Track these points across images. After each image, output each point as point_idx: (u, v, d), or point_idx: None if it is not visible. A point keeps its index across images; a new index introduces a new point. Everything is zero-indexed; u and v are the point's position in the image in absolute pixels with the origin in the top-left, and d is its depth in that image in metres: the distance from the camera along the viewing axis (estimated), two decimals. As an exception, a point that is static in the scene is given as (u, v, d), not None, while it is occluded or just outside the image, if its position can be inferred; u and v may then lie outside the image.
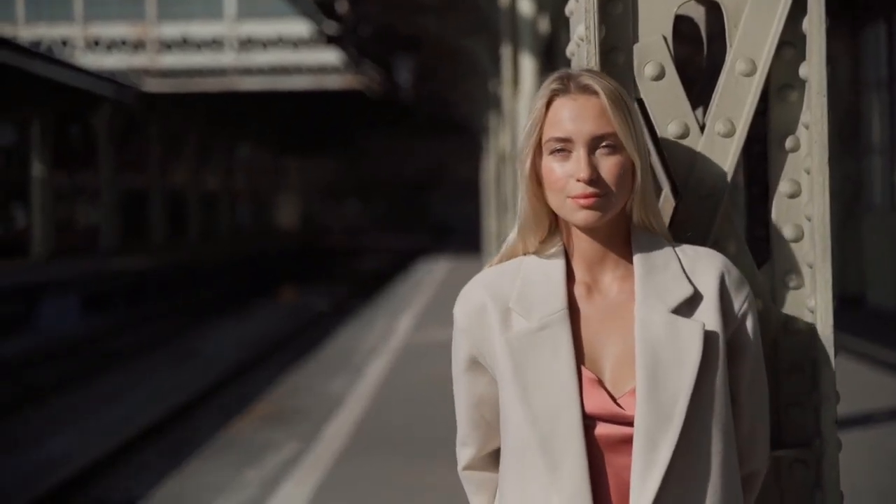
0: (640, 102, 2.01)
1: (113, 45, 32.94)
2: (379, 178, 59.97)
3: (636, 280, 1.79)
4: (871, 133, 14.59)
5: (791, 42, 2.08)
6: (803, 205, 2.10)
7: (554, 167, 1.77)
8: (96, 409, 13.17)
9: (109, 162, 30.35)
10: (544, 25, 11.32)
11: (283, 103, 36.35)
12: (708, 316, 1.77)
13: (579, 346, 1.77)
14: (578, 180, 1.74)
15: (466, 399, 1.90)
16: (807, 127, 2.07)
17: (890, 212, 13.95)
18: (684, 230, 1.97)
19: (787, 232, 2.11)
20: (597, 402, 1.74)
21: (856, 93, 14.66)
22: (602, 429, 1.74)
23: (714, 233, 2.05)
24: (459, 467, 1.97)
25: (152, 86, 31.61)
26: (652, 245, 1.82)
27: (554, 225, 1.84)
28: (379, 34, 20.91)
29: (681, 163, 2.03)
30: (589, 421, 1.74)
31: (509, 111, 12.44)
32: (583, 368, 1.76)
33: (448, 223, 55.78)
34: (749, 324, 1.82)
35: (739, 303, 1.81)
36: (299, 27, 30.39)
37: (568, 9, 2.18)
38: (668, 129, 2.04)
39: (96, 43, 32.96)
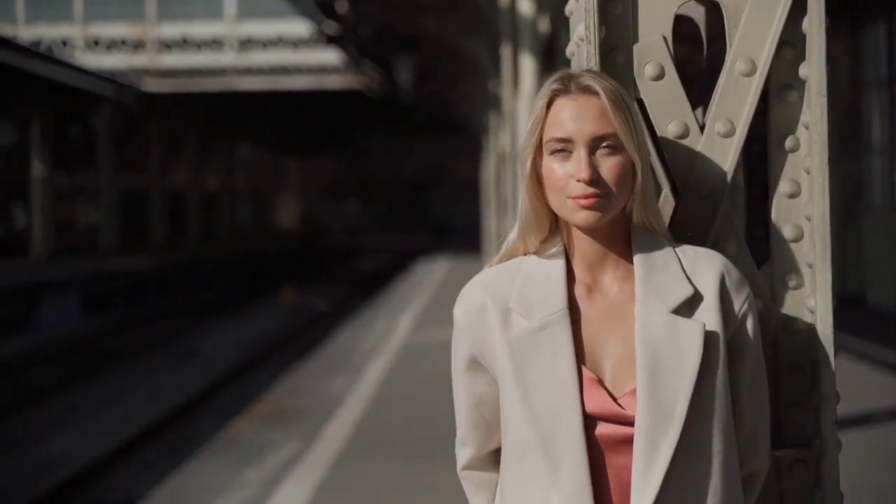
0: (640, 102, 2.01)
1: (113, 45, 32.93)
2: (379, 178, 59.97)
3: (636, 280, 1.79)
4: (871, 133, 14.59)
5: (791, 42, 2.08)
6: (803, 205, 2.10)
7: (554, 167, 1.77)
8: (96, 409, 13.17)
9: (109, 162, 30.34)
10: (544, 25, 11.32)
11: (283, 103, 36.35)
12: (708, 316, 1.77)
13: (580, 346, 1.77)
14: (579, 180, 1.74)
15: (466, 399, 1.90)
16: (807, 127, 2.08)
17: (890, 212, 13.95)
18: (684, 230, 1.97)
19: (787, 232, 2.11)
20: (597, 401, 1.74)
21: (856, 93, 14.66)
22: (602, 429, 1.74)
23: (714, 233, 2.05)
24: (458, 467, 1.97)
25: (152, 86, 31.61)
26: (652, 245, 1.82)
27: (554, 225, 1.84)
28: (379, 34, 20.91)
29: (681, 163, 2.03)
30: (589, 421, 1.74)
31: (509, 111, 12.44)
32: (583, 368, 1.76)
33: (448, 223, 55.77)
34: (749, 324, 1.82)
35: (740, 303, 1.81)
36: (299, 27, 30.39)
37: (568, 9, 2.18)
38: (668, 129, 2.04)
39: (96, 43, 32.96)
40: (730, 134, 2.05)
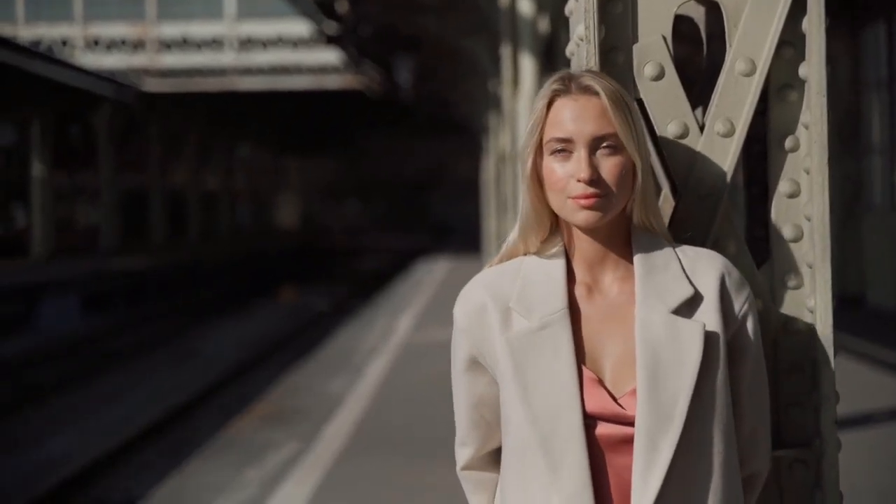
0: (640, 102, 2.01)
1: (113, 45, 32.92)
2: (379, 178, 59.95)
3: (636, 280, 1.79)
4: (871, 133, 14.60)
5: (791, 42, 2.08)
6: (803, 205, 2.10)
7: (555, 167, 1.77)
8: (96, 409, 13.17)
9: (109, 162, 30.33)
10: (544, 25, 11.32)
11: (283, 103, 36.33)
12: (708, 317, 1.77)
13: (580, 345, 1.77)
14: (579, 181, 1.74)
15: (466, 399, 1.90)
16: (806, 127, 2.08)
17: (890, 212, 13.95)
18: (684, 230, 1.98)
19: (787, 232, 2.11)
20: (597, 401, 1.74)
21: (856, 93, 14.66)
22: (603, 429, 1.74)
23: (714, 233, 2.05)
24: (458, 467, 1.97)
25: (152, 86, 31.60)
26: (652, 246, 1.82)
27: (555, 225, 1.84)
28: (379, 34, 20.91)
29: (680, 163, 2.04)
30: (590, 421, 1.74)
31: (509, 111, 12.44)
32: (583, 368, 1.76)
33: (448, 223, 55.76)
34: (750, 325, 1.82)
35: (740, 304, 1.81)
36: (299, 27, 30.38)
37: (568, 9, 2.18)
38: (668, 129, 2.04)
39: (96, 43, 32.95)
40: (729, 134, 2.05)
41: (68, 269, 24.22)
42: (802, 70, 2.07)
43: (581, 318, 1.79)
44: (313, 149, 54.47)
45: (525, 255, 1.86)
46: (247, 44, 32.74)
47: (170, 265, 29.25)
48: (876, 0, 13.90)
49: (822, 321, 2.05)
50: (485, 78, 18.04)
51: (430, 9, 17.23)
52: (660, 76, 2.04)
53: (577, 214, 1.76)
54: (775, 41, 2.06)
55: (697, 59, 2.29)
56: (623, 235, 1.82)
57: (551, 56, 11.23)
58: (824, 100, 2.03)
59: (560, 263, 1.82)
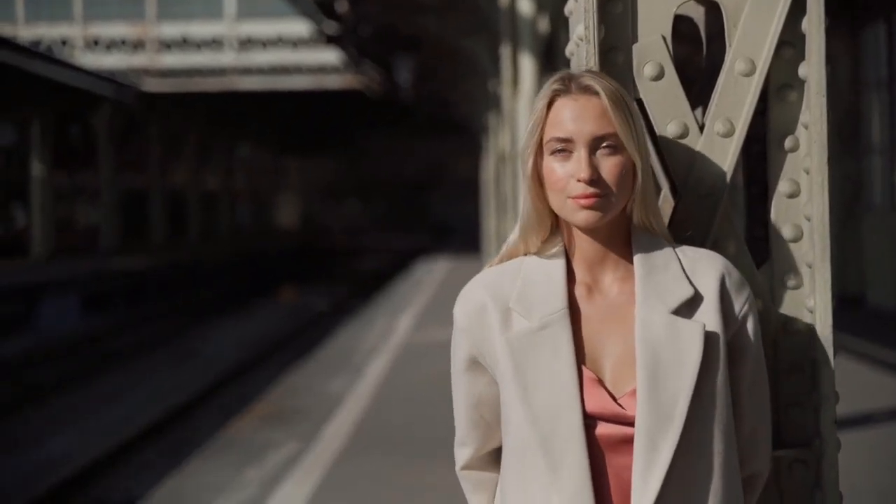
0: (640, 102, 2.01)
1: (113, 45, 32.92)
2: (379, 178, 59.94)
3: (636, 281, 1.79)
4: (871, 133, 14.60)
5: (790, 42, 2.08)
6: (802, 205, 2.10)
7: (555, 167, 1.77)
8: (96, 409, 13.17)
9: (109, 162, 30.34)
10: (544, 25, 11.32)
11: (283, 103, 36.34)
12: (708, 317, 1.77)
13: (580, 345, 1.77)
14: (579, 180, 1.74)
15: (466, 399, 1.90)
16: (806, 127, 2.07)
17: (890, 212, 13.95)
18: (684, 230, 1.98)
19: (787, 232, 2.11)
20: (597, 401, 1.74)
21: (856, 93, 14.66)
22: (603, 429, 1.74)
23: (713, 232, 2.05)
24: (457, 467, 1.97)
25: (152, 86, 31.61)
26: (652, 246, 1.82)
27: (555, 225, 1.84)
28: (379, 34, 20.90)
29: (680, 163, 2.03)
30: (590, 421, 1.74)
31: (509, 111, 12.43)
32: (583, 368, 1.76)
33: (448, 223, 55.76)
34: (750, 325, 1.82)
35: (740, 304, 1.81)
36: (299, 27, 30.39)
37: (567, 8, 2.18)
38: (668, 129, 2.04)
39: (96, 43, 32.95)
40: (729, 134, 2.05)
41: (68, 269, 24.22)
42: (802, 70, 2.07)
43: (581, 318, 1.79)
44: (313, 149, 54.47)
45: (525, 255, 1.86)
46: (247, 44, 32.74)
47: (170, 265, 29.25)
48: (876, 0, 13.89)
49: (822, 321, 2.05)
50: (485, 78, 18.04)
51: (430, 9, 17.23)
52: (659, 76, 2.04)
53: (577, 214, 1.76)
54: (775, 41, 2.06)
55: (697, 59, 2.29)
56: (623, 235, 1.82)
57: (551, 56, 11.23)
58: (824, 100, 2.03)
59: (560, 263, 1.82)
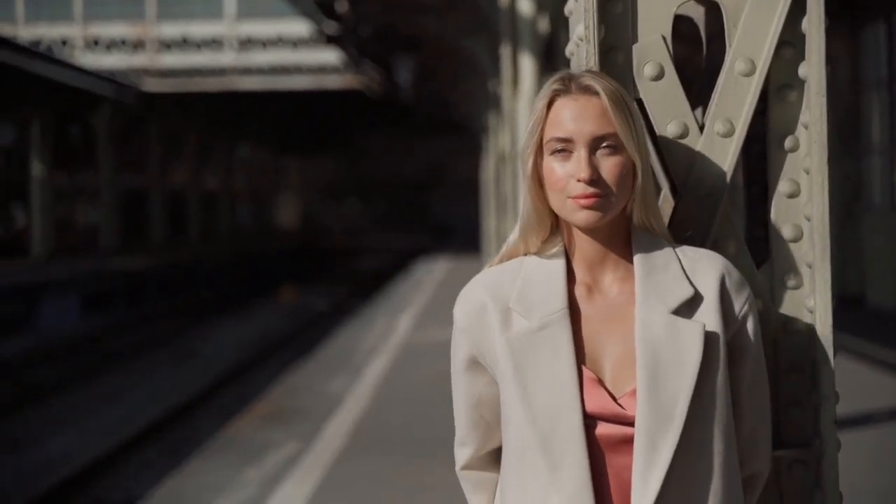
0: (640, 102, 2.01)
1: (113, 45, 32.93)
2: (379, 178, 59.93)
3: (636, 281, 1.79)
4: (871, 133, 14.60)
5: (790, 42, 2.08)
6: (802, 205, 2.10)
7: (555, 167, 1.77)
8: (96, 409, 13.17)
9: (109, 162, 30.33)
10: (544, 25, 11.32)
11: (283, 103, 36.34)
12: (708, 317, 1.77)
13: (580, 345, 1.77)
14: (579, 180, 1.74)
15: (465, 399, 1.90)
16: (806, 127, 2.07)
17: (890, 212, 13.95)
18: (684, 230, 1.98)
19: (787, 232, 2.11)
20: (597, 401, 1.74)
21: (856, 93, 14.67)
22: (603, 429, 1.74)
23: (713, 233, 2.05)
24: (457, 467, 1.97)
25: (152, 86, 31.60)
26: (652, 246, 1.82)
27: (555, 225, 1.84)
28: (379, 34, 20.90)
29: (680, 163, 2.03)
30: (590, 420, 1.74)
31: (509, 111, 12.43)
32: (583, 368, 1.76)
33: (448, 223, 55.73)
34: (750, 325, 1.82)
35: (740, 304, 1.81)
36: (299, 27, 30.39)
37: (567, 8, 2.17)
38: (668, 129, 2.04)
39: (96, 43, 32.95)
40: (729, 134, 2.05)
41: (68, 268, 24.22)
42: (802, 70, 2.07)
43: (581, 318, 1.79)
44: (313, 149, 54.46)
45: (525, 255, 1.86)
46: (247, 44, 32.75)
47: (170, 265, 29.25)
48: (876, 0, 13.90)
49: (822, 321, 2.05)
50: (485, 78, 18.04)
51: (430, 9, 17.23)
52: (659, 76, 2.04)
53: (577, 214, 1.76)
54: (775, 41, 2.06)
55: (697, 59, 2.29)
56: (623, 235, 1.82)
57: (551, 56, 11.23)
58: (824, 100, 2.03)
59: (560, 263, 1.82)
